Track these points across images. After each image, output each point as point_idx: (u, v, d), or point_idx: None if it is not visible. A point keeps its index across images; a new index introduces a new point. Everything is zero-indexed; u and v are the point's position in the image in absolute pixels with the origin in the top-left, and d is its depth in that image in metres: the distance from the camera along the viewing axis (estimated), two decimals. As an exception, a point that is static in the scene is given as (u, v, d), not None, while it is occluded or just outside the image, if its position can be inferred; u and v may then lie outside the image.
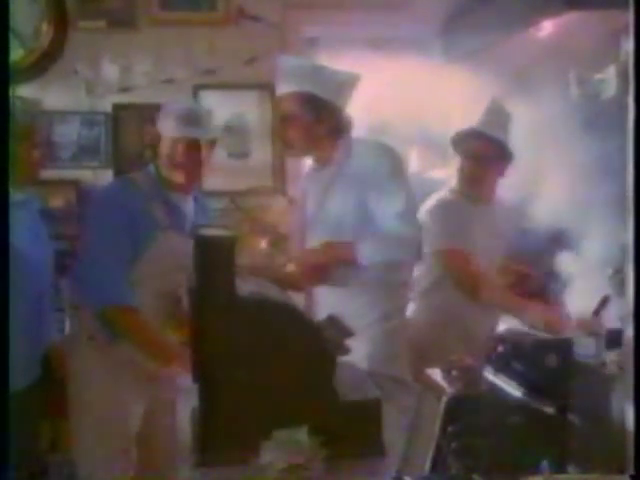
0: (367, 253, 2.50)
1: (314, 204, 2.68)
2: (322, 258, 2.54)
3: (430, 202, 3.15)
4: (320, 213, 2.64)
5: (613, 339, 2.72)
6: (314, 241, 2.62)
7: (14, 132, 2.34)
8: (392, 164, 2.59)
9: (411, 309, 3.06)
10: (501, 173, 3.14)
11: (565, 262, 3.27)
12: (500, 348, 3.05)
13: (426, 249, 2.81)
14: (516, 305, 3.00)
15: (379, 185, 2.52)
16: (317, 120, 2.60)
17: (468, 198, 3.14)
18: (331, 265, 2.54)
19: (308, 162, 2.84)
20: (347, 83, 2.64)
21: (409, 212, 2.54)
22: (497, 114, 3.09)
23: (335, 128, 2.63)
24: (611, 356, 2.72)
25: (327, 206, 2.62)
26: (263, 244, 2.99)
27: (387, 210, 2.51)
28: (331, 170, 2.64)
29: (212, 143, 2.77)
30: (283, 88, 2.63)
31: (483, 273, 3.08)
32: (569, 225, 3.02)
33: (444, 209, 3.10)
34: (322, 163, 2.69)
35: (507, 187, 3.26)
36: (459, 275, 3.06)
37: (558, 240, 3.33)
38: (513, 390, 3.01)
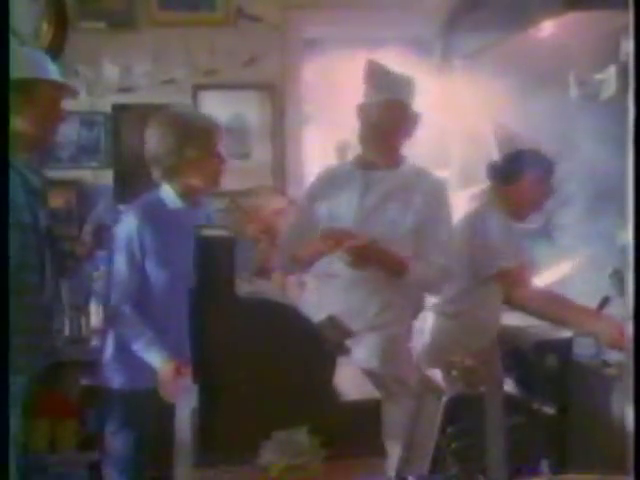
0: (418, 274, 2.60)
1: (367, 207, 2.68)
2: (379, 254, 2.56)
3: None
4: (372, 218, 2.66)
5: (613, 339, 2.72)
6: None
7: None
8: (448, 204, 2.73)
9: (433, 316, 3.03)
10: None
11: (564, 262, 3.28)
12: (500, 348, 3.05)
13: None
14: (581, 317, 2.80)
15: (434, 219, 2.65)
16: (404, 127, 2.70)
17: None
18: (379, 263, 2.57)
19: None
20: (412, 86, 2.70)
21: (453, 252, 2.68)
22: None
23: (408, 132, 2.73)
24: (611, 356, 2.72)
25: (382, 214, 2.65)
26: (263, 244, 2.99)
27: (438, 244, 2.62)
28: (393, 182, 2.69)
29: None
30: (374, 97, 2.67)
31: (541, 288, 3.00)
32: (569, 224, 3.02)
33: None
34: (377, 169, 2.72)
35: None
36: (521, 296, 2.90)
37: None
38: (513, 390, 3.02)
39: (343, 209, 2.69)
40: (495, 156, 3.04)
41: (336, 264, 2.60)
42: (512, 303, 2.94)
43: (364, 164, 2.74)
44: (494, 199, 3.01)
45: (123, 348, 2.61)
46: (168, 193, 2.65)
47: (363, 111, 2.70)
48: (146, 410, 2.57)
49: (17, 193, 2.54)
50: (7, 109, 1.99)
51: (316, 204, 2.75)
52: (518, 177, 2.97)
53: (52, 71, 2.66)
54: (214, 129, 2.68)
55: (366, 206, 2.67)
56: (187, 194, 2.66)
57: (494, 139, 3.06)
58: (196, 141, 2.58)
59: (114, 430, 2.66)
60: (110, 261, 2.67)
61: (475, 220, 2.97)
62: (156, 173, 2.65)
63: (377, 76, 2.67)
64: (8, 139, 1.95)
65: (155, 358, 2.52)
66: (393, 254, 2.58)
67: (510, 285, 2.88)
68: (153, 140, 2.60)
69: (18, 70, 2.60)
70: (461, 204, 3.14)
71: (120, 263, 2.59)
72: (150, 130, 2.63)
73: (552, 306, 2.83)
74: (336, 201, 2.72)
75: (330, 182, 2.78)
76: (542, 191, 3.00)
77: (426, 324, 3.03)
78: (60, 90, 2.68)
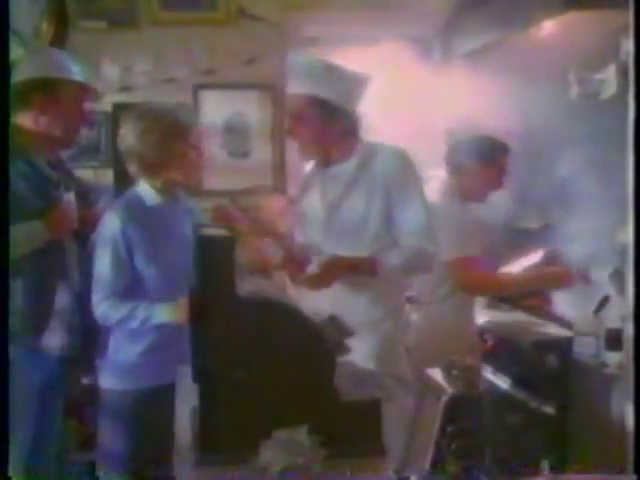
0: (388, 268, 2.54)
1: (329, 204, 2.65)
2: (342, 271, 2.53)
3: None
4: (338, 213, 2.62)
5: (613, 339, 2.72)
6: (331, 241, 2.59)
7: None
8: (414, 175, 2.63)
9: (423, 313, 3.04)
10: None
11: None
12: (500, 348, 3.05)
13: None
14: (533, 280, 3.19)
15: (403, 195, 2.57)
16: (327, 123, 2.59)
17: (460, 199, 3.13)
18: (345, 273, 2.55)
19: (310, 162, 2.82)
20: (357, 85, 2.62)
21: (430, 228, 2.58)
22: None
23: (346, 129, 2.63)
24: (611, 356, 2.71)
25: (347, 207, 2.61)
26: (262, 244, 2.99)
27: (410, 223, 2.55)
28: (348, 171, 2.63)
29: None
30: (293, 88, 2.62)
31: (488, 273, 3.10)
32: (568, 224, 3.02)
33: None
34: (333, 164, 2.67)
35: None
36: (470, 283, 3.06)
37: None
38: (513, 390, 3.02)
39: (309, 209, 2.69)
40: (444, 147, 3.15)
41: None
42: (466, 292, 3.06)
43: (322, 161, 2.71)
44: (450, 187, 3.11)
45: (117, 349, 2.61)
46: (145, 189, 2.63)
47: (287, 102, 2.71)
48: (143, 411, 2.57)
49: (38, 191, 2.58)
50: (7, 109, 2.00)
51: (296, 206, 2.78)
52: (466, 165, 3.08)
53: (76, 72, 2.70)
54: (193, 123, 2.68)
55: (329, 202, 2.64)
56: (166, 189, 2.64)
57: (446, 132, 3.19)
58: (178, 135, 2.58)
59: (110, 431, 2.65)
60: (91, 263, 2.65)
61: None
62: (133, 169, 2.63)
63: (297, 68, 2.64)
64: (8, 139, 1.95)
65: (162, 312, 2.48)
66: (357, 258, 2.54)
67: (457, 275, 3.00)
68: (131, 135, 2.58)
69: (42, 69, 2.64)
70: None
71: (103, 265, 2.57)
72: (128, 126, 2.60)
73: (504, 285, 3.17)
74: (305, 201, 2.72)
75: (302, 184, 2.81)
76: (493, 174, 3.12)
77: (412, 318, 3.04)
78: (83, 91, 2.72)
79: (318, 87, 2.56)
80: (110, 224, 2.57)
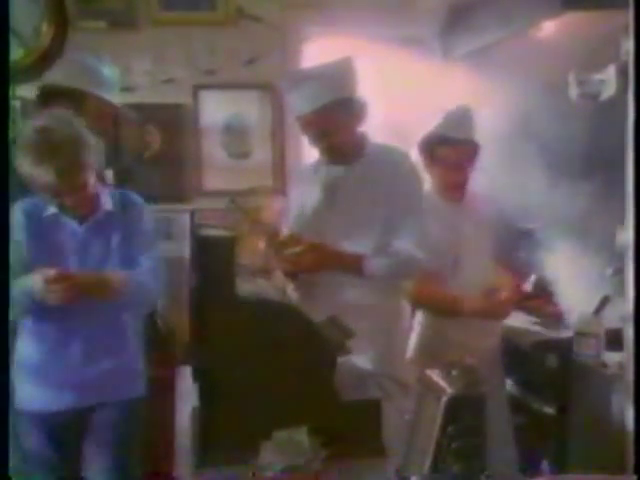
0: (375, 269, 2.51)
1: (330, 203, 2.65)
2: (327, 259, 2.51)
3: None
4: (339, 213, 2.62)
5: (613, 339, 2.72)
6: (329, 242, 2.58)
7: None
8: (417, 180, 2.64)
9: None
10: (473, 167, 3.03)
11: (564, 262, 3.28)
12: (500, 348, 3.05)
13: None
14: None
15: (403, 200, 2.56)
16: (355, 120, 2.61)
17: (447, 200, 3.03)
18: (328, 265, 2.52)
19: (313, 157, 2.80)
20: (348, 70, 2.61)
21: (425, 237, 2.57)
22: (460, 116, 2.99)
23: (354, 120, 2.62)
24: (611, 356, 2.72)
25: (348, 207, 2.61)
26: (262, 244, 2.99)
27: (405, 229, 2.54)
28: (354, 172, 2.63)
29: None
30: (317, 102, 2.54)
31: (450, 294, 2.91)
32: (567, 224, 3.02)
33: None
34: (342, 163, 2.65)
35: (502, 185, 3.24)
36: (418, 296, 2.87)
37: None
38: (513, 390, 3.02)
39: (309, 207, 2.68)
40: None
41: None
42: (410, 301, 2.86)
43: (328, 158, 2.69)
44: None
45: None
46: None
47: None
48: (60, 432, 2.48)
49: None
50: (7, 109, 2.00)
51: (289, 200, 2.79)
52: (435, 160, 2.97)
53: (105, 83, 2.74)
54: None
55: (330, 201, 2.64)
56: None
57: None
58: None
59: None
60: None
61: None
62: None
63: (302, 87, 2.56)
64: (8, 139, 1.95)
65: (25, 281, 2.34)
66: (345, 252, 2.53)
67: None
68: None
69: (72, 79, 2.64)
70: None
71: None
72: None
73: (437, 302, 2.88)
74: (303, 198, 2.71)
75: (298, 179, 2.82)
76: (462, 172, 2.98)
77: (416, 321, 3.02)
78: (108, 106, 2.77)
79: (338, 89, 2.54)
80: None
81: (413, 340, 2.95)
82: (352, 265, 2.52)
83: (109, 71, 2.80)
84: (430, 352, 2.90)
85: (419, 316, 3.00)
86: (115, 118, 2.94)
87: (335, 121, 2.55)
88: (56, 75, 2.71)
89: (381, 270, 2.53)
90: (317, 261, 2.47)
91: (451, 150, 2.94)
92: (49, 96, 2.68)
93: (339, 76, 2.56)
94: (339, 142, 2.59)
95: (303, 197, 2.71)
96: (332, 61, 2.58)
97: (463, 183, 3.02)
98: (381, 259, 2.53)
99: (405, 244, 2.53)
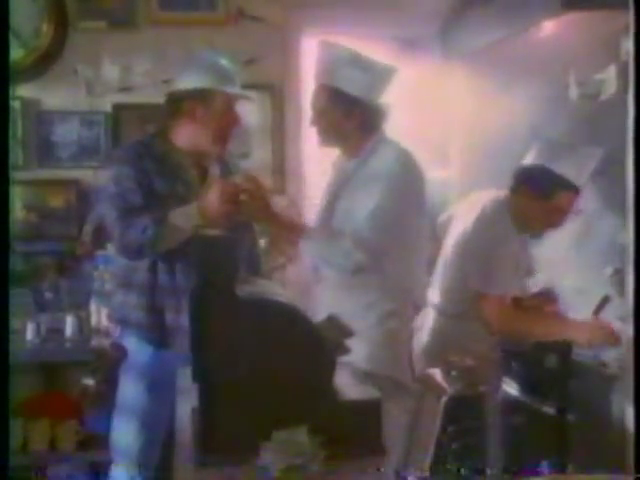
0: (314, 247, 2.60)
1: (329, 195, 2.71)
2: (264, 217, 2.57)
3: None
4: (335, 206, 2.65)
5: (613, 339, 2.72)
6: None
7: None
8: (404, 172, 2.60)
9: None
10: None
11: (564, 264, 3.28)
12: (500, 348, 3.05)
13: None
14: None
15: (366, 193, 2.54)
16: (346, 115, 2.61)
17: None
18: (267, 218, 2.56)
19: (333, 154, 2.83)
20: (381, 77, 2.63)
21: (378, 218, 2.51)
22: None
23: (365, 122, 2.63)
24: (611, 356, 2.72)
25: (344, 201, 2.63)
26: (262, 243, 3.00)
27: (360, 222, 2.51)
28: (353, 165, 2.66)
29: None
30: (318, 77, 2.66)
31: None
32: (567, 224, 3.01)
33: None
34: (348, 156, 2.70)
35: (502, 185, 3.24)
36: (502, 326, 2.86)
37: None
38: (513, 390, 3.02)
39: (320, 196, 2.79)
40: (530, 162, 2.91)
41: (321, 269, 2.64)
42: (494, 333, 2.84)
43: (342, 154, 2.75)
44: (512, 208, 2.90)
45: None
46: None
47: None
48: None
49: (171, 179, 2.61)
50: (7, 110, 2.00)
51: None
52: (552, 193, 2.85)
53: (232, 78, 2.69)
54: None
55: (332, 194, 2.70)
56: None
57: (536, 147, 2.93)
58: None
59: None
60: None
61: (481, 225, 2.89)
62: None
63: (323, 58, 2.66)
64: (8, 140, 1.95)
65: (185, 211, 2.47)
66: (286, 217, 2.64)
67: (485, 312, 2.84)
68: None
69: (202, 80, 2.62)
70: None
71: None
72: None
73: (537, 328, 2.85)
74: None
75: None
76: (564, 214, 2.89)
77: (425, 323, 3.02)
78: (236, 99, 2.71)
79: (338, 79, 2.58)
80: None
81: (414, 341, 2.95)
82: (291, 229, 2.63)
83: (229, 63, 2.74)
84: (430, 353, 2.90)
85: (420, 316, 3.00)
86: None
87: (327, 107, 2.62)
88: (189, 78, 2.64)
89: (321, 251, 2.60)
90: (256, 210, 2.50)
91: (573, 197, 2.85)
92: (177, 101, 2.65)
93: (359, 69, 2.59)
94: (326, 129, 2.66)
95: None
96: (376, 59, 2.64)
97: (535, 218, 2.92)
98: (331, 245, 2.55)
99: (354, 237, 2.49)
